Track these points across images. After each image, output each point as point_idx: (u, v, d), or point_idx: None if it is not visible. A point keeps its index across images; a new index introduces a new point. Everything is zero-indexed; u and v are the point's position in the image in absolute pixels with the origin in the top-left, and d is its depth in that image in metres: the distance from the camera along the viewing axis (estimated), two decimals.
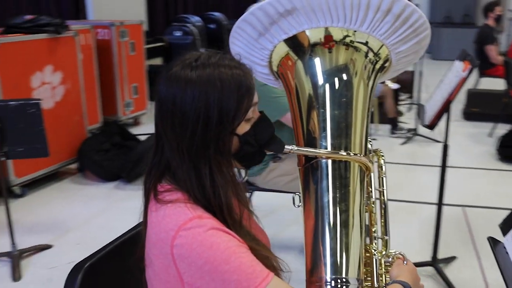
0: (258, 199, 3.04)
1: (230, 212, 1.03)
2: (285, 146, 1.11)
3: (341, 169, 1.15)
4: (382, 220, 1.30)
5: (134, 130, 5.25)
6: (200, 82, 1.00)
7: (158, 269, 1.02)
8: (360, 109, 1.18)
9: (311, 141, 1.17)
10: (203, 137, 1.01)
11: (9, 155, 2.82)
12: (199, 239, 0.96)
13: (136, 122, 5.94)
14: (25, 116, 2.77)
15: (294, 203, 1.20)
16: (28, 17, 3.99)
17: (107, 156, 4.25)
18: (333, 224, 1.11)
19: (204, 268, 0.95)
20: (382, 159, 1.38)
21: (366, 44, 1.18)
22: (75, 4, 6.75)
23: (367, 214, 1.29)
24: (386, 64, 1.23)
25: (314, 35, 1.18)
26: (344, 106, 1.17)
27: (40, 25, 3.91)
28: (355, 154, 1.14)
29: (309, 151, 1.12)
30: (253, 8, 1.18)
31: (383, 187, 1.33)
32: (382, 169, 1.36)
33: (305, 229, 1.14)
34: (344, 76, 1.17)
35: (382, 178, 1.34)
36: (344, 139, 1.16)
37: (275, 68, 1.27)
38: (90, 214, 3.55)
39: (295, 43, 1.19)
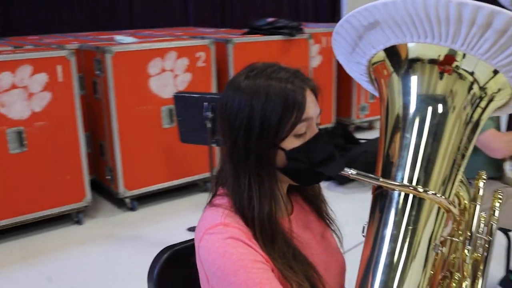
0: None
1: (262, 225, 1.01)
2: (345, 169, 1.03)
3: (413, 205, 1.01)
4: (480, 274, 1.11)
5: (367, 135, 5.28)
6: (248, 92, 1.01)
7: (198, 266, 1.08)
8: (451, 147, 1.02)
9: (388, 166, 1.05)
10: (244, 146, 1.01)
11: (218, 142, 3.17)
12: (216, 245, 0.98)
13: (370, 126, 5.94)
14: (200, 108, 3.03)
15: (363, 232, 1.10)
16: (270, 19, 4.36)
17: None
18: (388, 262, 0.99)
19: (216, 274, 0.97)
20: (498, 201, 1.16)
21: (472, 74, 1.01)
22: (332, 7, 7.05)
23: (458, 263, 1.11)
24: (495, 102, 1.04)
25: (422, 50, 1.04)
26: (431, 138, 1.02)
27: (277, 27, 4.23)
28: (434, 194, 0.99)
29: (372, 177, 1.01)
30: (341, 20, 1.12)
31: (490, 236, 1.12)
32: (494, 214, 1.14)
33: (362, 256, 1.04)
34: (440, 108, 1.02)
35: (492, 224, 1.13)
36: (422, 172, 1.01)
37: (371, 74, 1.17)
38: None
39: (392, 52, 1.08)
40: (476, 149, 2.26)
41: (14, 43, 4.12)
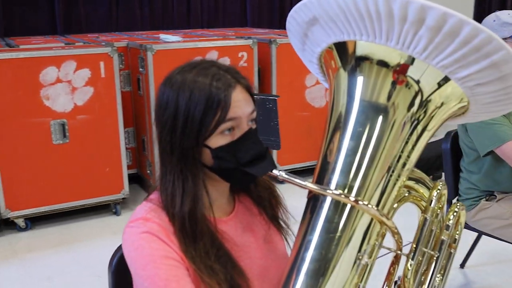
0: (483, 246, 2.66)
1: (182, 223, 0.99)
2: (274, 170, 1.00)
3: (343, 213, 0.95)
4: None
5: None
6: (176, 87, 1.00)
7: None
8: (389, 157, 0.97)
9: (324, 168, 1.00)
10: (169, 142, 1.00)
11: None
12: (132, 239, 0.99)
13: None
14: (264, 110, 3.05)
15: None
16: None
17: None
18: (308, 270, 0.94)
19: (130, 266, 1.00)
20: (453, 214, 1.08)
21: (417, 82, 0.94)
22: None
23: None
24: (437, 118, 0.98)
25: (370, 49, 0.97)
26: (368, 146, 0.97)
27: None
28: (366, 204, 0.93)
29: (300, 181, 0.97)
30: (288, 15, 1.08)
31: (438, 252, 1.05)
32: (446, 229, 1.06)
33: (288, 258, 1.00)
34: (380, 119, 0.97)
35: (442, 240, 1.06)
36: (356, 180, 0.96)
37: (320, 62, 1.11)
38: None
39: (340, 46, 1.02)
40: (500, 160, 2.12)
41: (70, 39, 4.33)
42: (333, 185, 0.97)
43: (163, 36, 3.79)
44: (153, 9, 5.55)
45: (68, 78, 3.28)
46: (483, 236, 2.47)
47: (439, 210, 1.09)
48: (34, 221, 3.42)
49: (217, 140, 0.99)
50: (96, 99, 3.38)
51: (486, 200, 2.26)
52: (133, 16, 5.49)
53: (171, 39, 3.71)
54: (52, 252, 3.09)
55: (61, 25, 5.17)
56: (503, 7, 7.79)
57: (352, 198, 0.93)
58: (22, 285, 2.76)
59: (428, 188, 1.13)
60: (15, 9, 5.02)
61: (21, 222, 3.35)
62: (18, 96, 3.17)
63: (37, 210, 3.35)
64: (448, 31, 0.86)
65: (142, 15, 5.53)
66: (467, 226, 2.37)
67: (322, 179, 0.99)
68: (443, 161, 2.44)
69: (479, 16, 7.32)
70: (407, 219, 1.35)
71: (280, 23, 6.06)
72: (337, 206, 0.96)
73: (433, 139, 3.68)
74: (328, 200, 0.97)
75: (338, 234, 0.94)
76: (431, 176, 3.83)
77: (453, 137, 2.39)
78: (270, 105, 3.02)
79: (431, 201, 1.06)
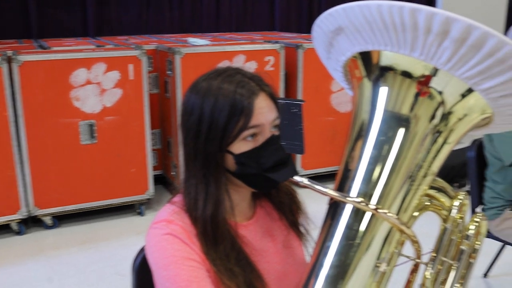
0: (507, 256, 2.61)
1: (204, 226, 1.02)
2: (295, 177, 1.01)
3: (363, 221, 0.96)
4: None
5: None
6: (202, 93, 1.02)
7: None
8: (410, 166, 0.97)
9: (345, 175, 1.02)
10: (193, 147, 1.03)
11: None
12: (155, 240, 1.01)
13: None
14: (288, 114, 3.06)
15: None
16: None
17: None
18: (326, 276, 0.96)
19: (152, 266, 1.02)
20: (474, 224, 1.08)
21: (440, 93, 0.95)
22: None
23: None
24: (458, 131, 0.98)
25: (394, 59, 0.99)
26: (390, 156, 0.97)
27: None
28: (385, 213, 0.94)
29: (320, 188, 0.98)
30: (314, 24, 1.09)
31: (458, 262, 1.04)
32: (466, 238, 1.06)
33: (308, 262, 1.01)
34: (401, 130, 0.97)
35: (462, 249, 1.05)
36: (377, 188, 0.97)
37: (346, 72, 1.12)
38: None
39: (364, 55, 1.03)
40: None
41: (100, 42, 4.42)
42: (354, 192, 0.98)
43: (192, 39, 3.84)
44: (182, 12, 5.62)
45: (98, 80, 3.35)
46: (507, 246, 2.44)
47: (460, 220, 1.09)
48: (60, 219, 3.50)
49: (240, 146, 1.01)
50: (124, 101, 3.45)
51: (511, 210, 2.23)
52: (163, 19, 5.57)
53: (199, 43, 3.76)
54: (77, 250, 3.16)
55: (93, 27, 5.27)
56: None
57: (372, 206, 0.94)
58: (47, 282, 2.82)
59: (450, 198, 1.12)
60: (48, 10, 5.14)
61: (48, 220, 3.43)
62: (49, 97, 3.25)
63: (64, 208, 3.42)
64: (472, 43, 0.86)
65: (172, 18, 5.60)
66: (491, 236, 2.34)
67: (343, 186, 1.00)
68: (468, 169, 2.42)
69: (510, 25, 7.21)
70: (428, 228, 1.35)
71: (308, 27, 6.06)
72: (357, 214, 0.97)
73: (459, 147, 3.65)
74: (349, 208, 0.98)
75: (357, 241, 0.95)
76: (456, 184, 3.80)
77: (478, 145, 2.37)
78: (295, 110, 3.01)
79: (452, 210, 1.06)
